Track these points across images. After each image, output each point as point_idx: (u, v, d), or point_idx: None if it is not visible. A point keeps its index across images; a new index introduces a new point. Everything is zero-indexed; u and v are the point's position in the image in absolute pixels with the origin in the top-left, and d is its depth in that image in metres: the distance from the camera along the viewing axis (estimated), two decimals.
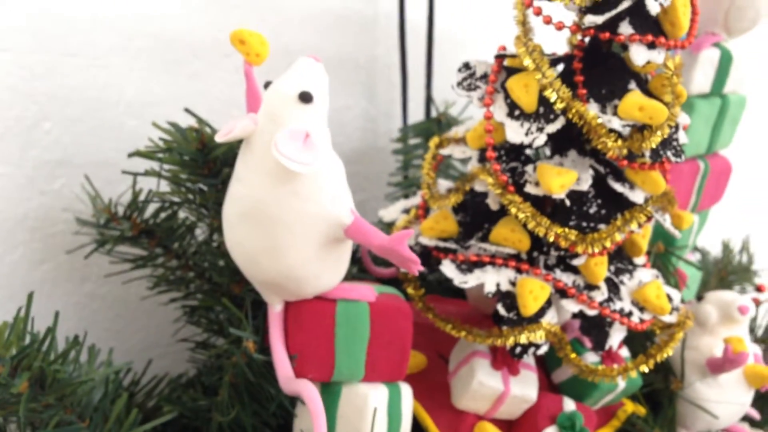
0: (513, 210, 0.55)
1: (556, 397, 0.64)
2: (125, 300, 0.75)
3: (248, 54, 0.50)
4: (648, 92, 0.55)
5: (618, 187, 0.56)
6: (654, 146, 0.54)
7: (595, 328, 0.60)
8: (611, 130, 0.53)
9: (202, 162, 0.55)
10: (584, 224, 0.56)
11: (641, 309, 0.61)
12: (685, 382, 0.72)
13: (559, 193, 0.54)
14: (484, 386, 0.61)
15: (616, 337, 0.60)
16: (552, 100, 0.52)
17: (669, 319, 0.62)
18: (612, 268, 0.62)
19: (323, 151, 0.48)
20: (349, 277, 0.58)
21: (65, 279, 0.72)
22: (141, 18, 0.72)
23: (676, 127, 0.56)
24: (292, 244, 0.49)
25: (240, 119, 0.49)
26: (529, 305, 0.56)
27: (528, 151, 0.59)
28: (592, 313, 0.58)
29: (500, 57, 0.56)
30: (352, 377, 0.56)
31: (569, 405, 0.64)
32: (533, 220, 0.54)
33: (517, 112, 0.55)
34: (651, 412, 0.72)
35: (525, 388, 0.62)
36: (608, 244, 0.56)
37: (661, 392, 0.73)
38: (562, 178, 0.54)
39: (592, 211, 0.57)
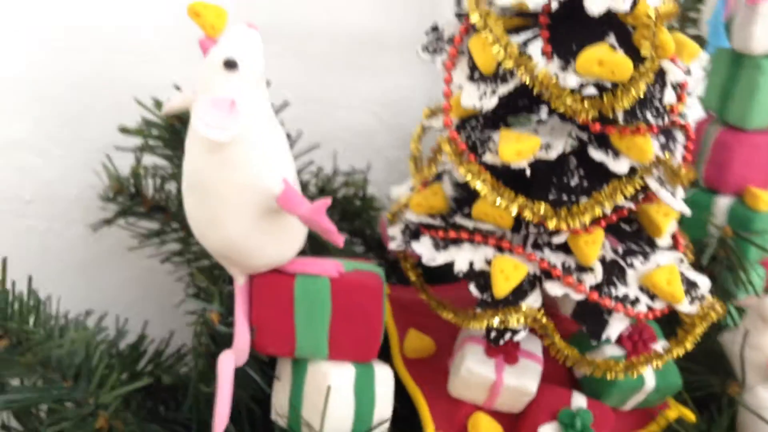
0: (470, 180, 0.50)
1: (564, 392, 0.58)
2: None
3: (204, 26, 0.50)
4: (632, 47, 0.48)
5: (597, 155, 0.50)
6: (627, 107, 0.47)
7: (591, 315, 0.54)
8: (575, 90, 0.47)
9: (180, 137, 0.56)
10: (564, 197, 0.51)
11: (653, 296, 0.54)
12: (746, 386, 0.63)
13: (516, 162, 0.49)
14: (473, 374, 0.57)
15: (616, 326, 0.53)
16: (500, 58, 0.48)
17: (687, 309, 0.54)
18: (621, 249, 0.55)
19: (247, 119, 0.47)
20: None
21: (118, 254, 0.77)
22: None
23: (660, 84, 0.48)
24: (228, 215, 0.49)
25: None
26: (500, 285, 0.51)
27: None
28: (578, 297, 0.52)
29: (466, 15, 0.52)
30: (315, 354, 0.54)
31: (578, 401, 0.58)
32: (493, 192, 0.50)
33: (476, 75, 0.50)
34: (704, 418, 0.64)
35: (521, 378, 0.57)
36: (586, 219, 0.50)
37: (718, 397, 0.64)
38: (520, 145, 0.49)
39: (573, 183, 0.51)
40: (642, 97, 0.47)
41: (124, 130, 0.58)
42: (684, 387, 0.64)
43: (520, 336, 0.53)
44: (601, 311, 0.53)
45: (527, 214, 0.50)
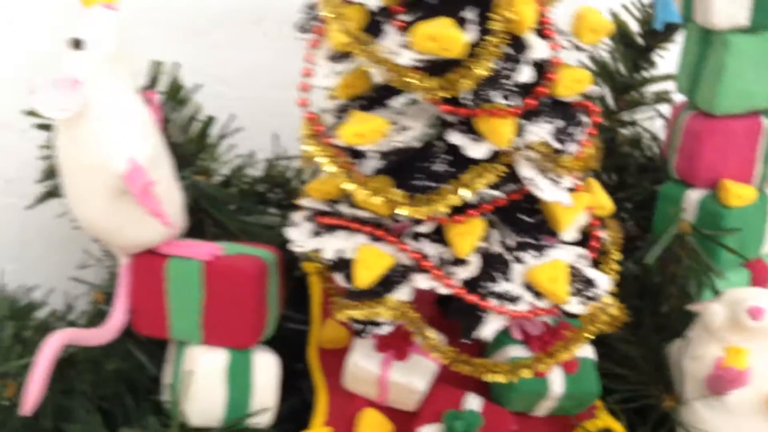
0: (322, 164, 0.48)
1: (457, 393, 0.54)
2: None
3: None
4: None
5: (455, 138, 0.46)
6: (472, 86, 0.43)
7: (466, 312, 0.50)
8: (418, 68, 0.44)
9: None
10: (428, 184, 0.47)
11: (539, 294, 0.49)
12: (684, 400, 0.56)
13: (359, 143, 0.46)
14: (359, 368, 0.54)
15: (491, 325, 0.49)
16: (335, 36, 0.45)
17: (574, 309, 0.49)
18: (512, 242, 0.51)
19: (92, 98, 0.47)
20: None
21: None
22: None
23: (513, 61, 0.44)
24: (83, 194, 0.50)
25: None
26: (360, 276, 0.48)
27: None
28: (444, 291, 0.49)
29: None
30: (188, 338, 0.54)
31: (472, 403, 0.54)
32: (345, 177, 0.47)
33: (331, 54, 0.48)
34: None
35: (408, 375, 0.53)
36: (441, 207, 0.46)
37: (654, 409, 0.58)
38: (362, 126, 0.45)
39: (440, 168, 0.47)
40: (489, 75, 0.43)
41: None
42: (621, 397, 0.58)
43: (385, 330, 0.50)
44: (475, 308, 0.49)
45: (377, 201, 0.46)
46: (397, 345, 0.54)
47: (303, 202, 0.55)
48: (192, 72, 0.77)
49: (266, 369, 0.55)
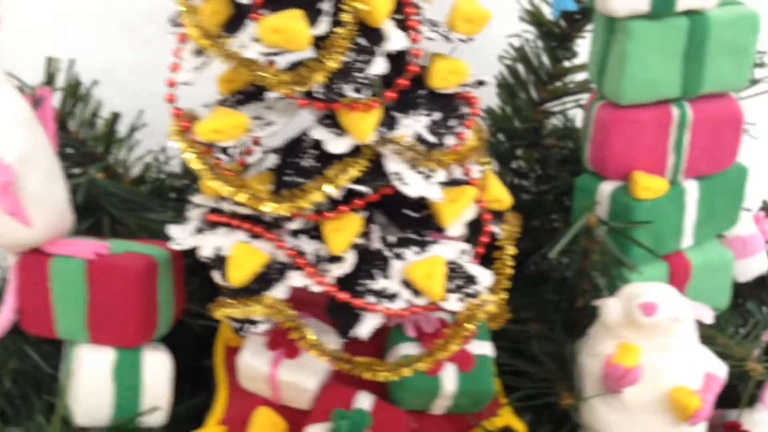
0: (189, 160, 0.47)
1: (348, 391, 0.53)
2: None
3: None
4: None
5: (318, 133, 0.45)
6: (323, 80, 0.42)
7: (343, 310, 0.49)
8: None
9: None
10: (297, 180, 0.46)
11: (417, 291, 0.48)
12: (583, 397, 0.55)
13: (217, 139, 0.45)
14: (248, 366, 0.53)
15: (368, 323, 0.48)
16: (188, 30, 0.44)
17: (452, 306, 0.48)
18: (393, 238, 0.50)
19: None
20: None
21: None
22: None
23: (366, 54, 0.42)
24: None
25: None
26: (232, 274, 0.48)
27: None
28: (316, 289, 0.48)
29: None
30: (75, 337, 0.54)
31: (363, 402, 0.53)
32: (210, 174, 0.46)
33: (196, 49, 0.47)
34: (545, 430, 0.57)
35: (298, 374, 0.53)
36: (304, 204, 0.45)
37: (557, 408, 0.57)
38: (219, 122, 0.45)
39: (307, 164, 0.46)
40: (341, 68, 0.42)
41: None
42: (524, 395, 0.57)
43: (261, 328, 0.49)
44: (352, 306, 0.48)
45: (241, 198, 0.46)
46: (287, 343, 0.54)
47: (195, 198, 0.54)
48: (124, 68, 0.76)
49: (157, 368, 0.54)
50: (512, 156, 0.73)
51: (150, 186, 0.65)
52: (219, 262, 0.49)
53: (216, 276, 0.50)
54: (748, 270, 0.69)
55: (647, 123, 0.59)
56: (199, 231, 0.51)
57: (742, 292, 0.72)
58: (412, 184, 0.45)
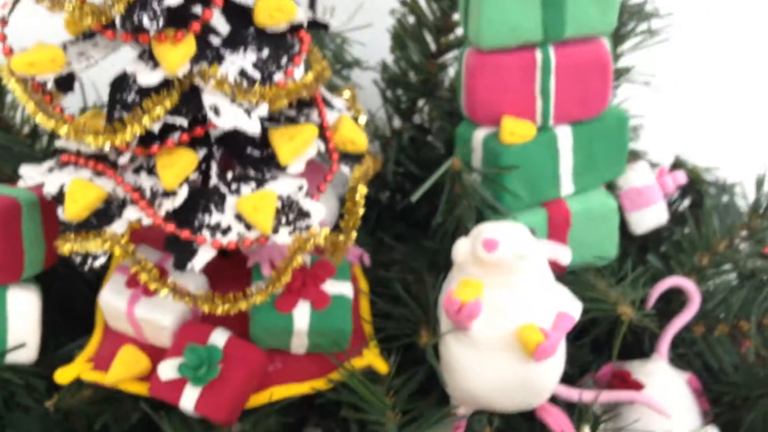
0: (19, 98, 0.48)
1: (204, 328, 0.55)
2: None
3: None
4: None
5: (133, 66, 0.46)
6: (123, 10, 0.43)
7: (180, 244, 0.50)
8: None
9: None
10: (122, 114, 0.47)
11: (249, 226, 0.49)
12: (439, 336, 0.56)
13: (31, 72, 0.46)
14: (107, 304, 0.55)
15: (202, 256, 0.49)
16: None
17: (282, 239, 0.49)
18: (230, 174, 0.51)
19: None
20: None
21: None
22: None
23: None
24: None
25: None
26: (67, 207, 0.49)
27: None
28: (147, 221, 0.49)
29: None
30: None
31: (217, 339, 0.54)
32: (35, 108, 0.47)
33: None
34: (407, 368, 0.57)
35: (154, 311, 0.54)
36: (125, 137, 0.46)
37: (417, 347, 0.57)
38: (33, 56, 0.46)
39: (129, 98, 0.47)
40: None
41: None
42: (386, 335, 0.58)
43: (100, 262, 0.51)
44: (191, 241, 0.50)
45: (63, 130, 0.47)
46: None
47: (57, 142, 0.56)
48: None
49: (22, 305, 0.56)
50: (412, 111, 0.73)
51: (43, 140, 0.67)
52: (61, 198, 0.51)
53: (60, 212, 0.51)
54: (644, 221, 0.69)
55: (512, 67, 0.59)
56: (50, 170, 0.53)
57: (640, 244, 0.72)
58: (227, 116, 0.46)
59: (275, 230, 0.49)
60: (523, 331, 0.52)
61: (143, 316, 0.54)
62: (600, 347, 0.68)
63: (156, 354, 0.56)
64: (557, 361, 0.54)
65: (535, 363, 0.52)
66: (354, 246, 0.64)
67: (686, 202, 0.78)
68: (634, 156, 0.73)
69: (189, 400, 0.53)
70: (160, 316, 0.54)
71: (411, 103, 0.72)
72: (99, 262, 0.51)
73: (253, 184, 0.50)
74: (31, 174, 0.52)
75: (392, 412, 0.54)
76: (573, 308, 0.54)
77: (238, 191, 0.50)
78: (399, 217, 0.74)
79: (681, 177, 0.71)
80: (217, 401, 0.52)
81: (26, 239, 0.56)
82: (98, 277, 0.63)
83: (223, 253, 0.59)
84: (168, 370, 0.53)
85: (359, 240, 0.66)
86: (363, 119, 0.60)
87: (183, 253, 0.50)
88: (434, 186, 0.65)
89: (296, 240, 0.49)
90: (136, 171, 0.51)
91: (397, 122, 0.75)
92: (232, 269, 0.58)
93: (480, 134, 0.61)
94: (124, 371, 0.55)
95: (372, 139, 0.74)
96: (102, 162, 0.51)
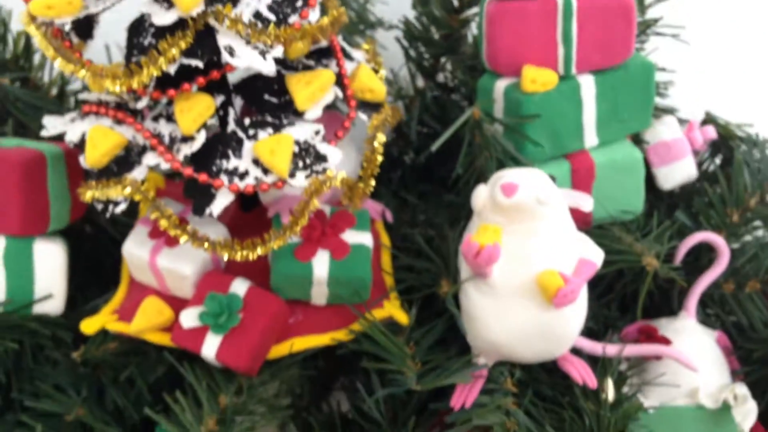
0: (40, 45, 0.49)
1: (225, 278, 0.55)
2: None
3: None
4: None
5: (146, 7, 0.46)
6: None
7: (200, 190, 0.50)
8: None
9: None
10: (139, 58, 0.48)
11: (266, 170, 0.50)
12: (459, 284, 0.55)
13: (48, 15, 0.47)
14: (131, 254, 0.56)
15: (219, 201, 0.50)
16: None
17: (299, 183, 0.49)
18: (247, 120, 0.51)
19: None
20: None
21: None
22: None
23: None
24: None
25: None
26: (88, 154, 0.50)
27: None
28: (164, 166, 0.49)
29: None
30: None
31: (238, 288, 0.54)
32: (54, 53, 0.48)
33: None
34: (425, 318, 0.57)
35: (176, 261, 0.55)
36: (142, 79, 0.47)
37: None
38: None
39: (146, 42, 0.48)
40: None
41: None
42: (406, 286, 0.58)
43: (121, 208, 0.51)
44: (209, 186, 0.50)
45: (81, 74, 0.48)
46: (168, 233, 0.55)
47: (81, 95, 0.57)
48: None
49: (49, 258, 0.57)
50: (435, 69, 0.73)
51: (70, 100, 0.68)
52: (83, 146, 0.52)
53: (81, 160, 0.52)
54: (672, 176, 0.68)
55: (533, 14, 0.58)
56: (72, 121, 0.53)
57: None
58: (242, 56, 0.46)
59: (292, 174, 0.49)
60: (543, 277, 0.51)
61: (165, 265, 0.55)
62: (626, 307, 0.67)
63: (179, 305, 0.56)
64: (578, 309, 0.54)
65: (556, 310, 0.52)
66: (376, 202, 0.64)
67: (717, 162, 0.76)
68: (663, 112, 0.71)
69: (210, 348, 0.53)
70: (182, 265, 0.55)
71: (434, 61, 0.72)
72: (120, 209, 0.51)
73: (270, 130, 0.50)
74: (53, 123, 0.53)
75: (413, 361, 0.54)
76: (595, 255, 0.54)
77: (255, 137, 0.50)
78: (422, 177, 0.74)
79: (711, 132, 0.69)
80: (238, 349, 0.53)
81: (51, 191, 0.57)
82: (124, 238, 0.64)
83: (243, 206, 0.59)
84: (189, 317, 0.53)
85: (382, 199, 0.66)
86: (383, 72, 0.60)
87: (202, 198, 0.50)
88: (457, 142, 0.64)
89: (313, 183, 0.49)
90: (155, 119, 0.51)
91: (420, 82, 0.74)
92: (253, 223, 0.59)
93: (501, 84, 0.60)
94: (147, 321, 0.55)
95: (395, 99, 0.74)
96: (122, 111, 0.51)
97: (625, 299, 0.67)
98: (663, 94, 0.75)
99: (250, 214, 0.60)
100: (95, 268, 0.67)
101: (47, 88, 0.67)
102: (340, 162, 0.50)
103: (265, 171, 0.49)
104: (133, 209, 0.61)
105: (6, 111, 0.62)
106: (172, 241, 0.55)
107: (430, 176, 0.74)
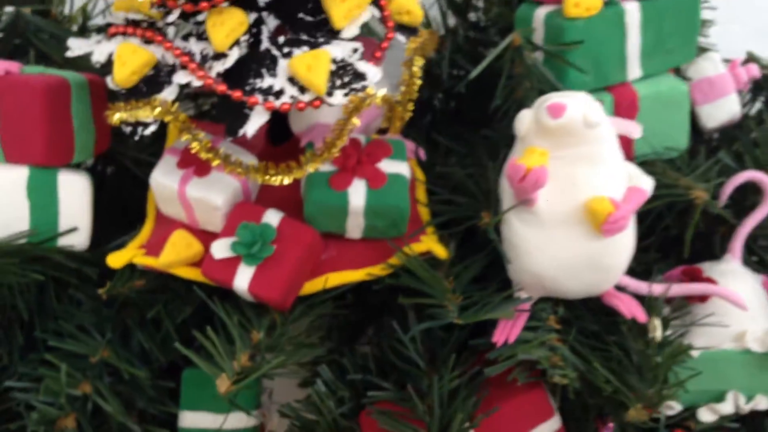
0: None
1: (257, 209, 0.53)
2: None
3: None
4: None
5: None
6: None
7: (232, 110, 0.48)
8: None
9: None
10: None
11: (303, 88, 0.47)
12: (502, 214, 0.53)
13: None
14: (159, 184, 0.54)
15: (255, 121, 0.47)
16: None
17: (337, 101, 0.47)
18: (281, 38, 0.49)
19: None
20: None
21: None
22: None
23: None
24: None
25: None
26: (116, 73, 0.48)
27: None
28: (197, 83, 0.47)
29: None
30: None
31: (271, 218, 0.52)
32: None
33: None
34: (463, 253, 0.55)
35: (206, 191, 0.52)
36: None
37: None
38: None
39: None
40: None
41: None
42: (446, 221, 0.56)
43: (151, 129, 0.49)
44: (242, 106, 0.48)
45: None
46: (198, 162, 0.53)
47: (108, 17, 0.54)
48: None
49: (73, 189, 0.55)
50: (467, 6, 0.70)
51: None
52: (110, 67, 0.49)
53: (109, 81, 0.50)
54: (716, 114, 0.65)
55: None
56: (98, 42, 0.51)
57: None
58: None
59: (329, 93, 0.47)
60: (592, 203, 0.49)
61: (195, 195, 0.53)
62: (666, 252, 0.65)
63: (208, 240, 0.54)
64: (627, 239, 0.51)
65: (604, 239, 0.49)
66: (408, 140, 0.61)
67: (758, 105, 0.73)
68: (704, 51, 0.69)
69: (243, 279, 0.51)
70: (213, 195, 0.52)
71: None
72: (149, 130, 0.49)
73: (305, 47, 0.48)
74: (78, 45, 0.51)
75: (453, 294, 0.52)
76: (645, 183, 0.51)
77: (290, 54, 0.48)
78: (454, 121, 0.71)
79: (754, 69, 0.67)
80: (271, 281, 0.51)
81: (76, 120, 0.55)
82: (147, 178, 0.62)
83: (273, 139, 0.57)
84: (221, 248, 0.51)
85: (414, 140, 0.63)
86: None
87: (235, 119, 0.48)
88: (491, 82, 0.62)
89: (352, 100, 0.46)
90: (185, 38, 0.49)
91: (452, 21, 0.71)
92: (282, 158, 0.56)
93: (542, 12, 0.58)
94: (176, 255, 0.53)
95: None
96: (150, 29, 0.49)
97: (665, 244, 0.65)
98: (703, 34, 0.72)
99: (279, 149, 0.58)
100: (119, 210, 0.64)
101: (69, 22, 0.65)
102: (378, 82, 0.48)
103: (302, 89, 0.47)
104: (157, 150, 0.59)
105: (27, 41, 0.60)
106: (202, 171, 0.53)
107: (461, 120, 0.71)
